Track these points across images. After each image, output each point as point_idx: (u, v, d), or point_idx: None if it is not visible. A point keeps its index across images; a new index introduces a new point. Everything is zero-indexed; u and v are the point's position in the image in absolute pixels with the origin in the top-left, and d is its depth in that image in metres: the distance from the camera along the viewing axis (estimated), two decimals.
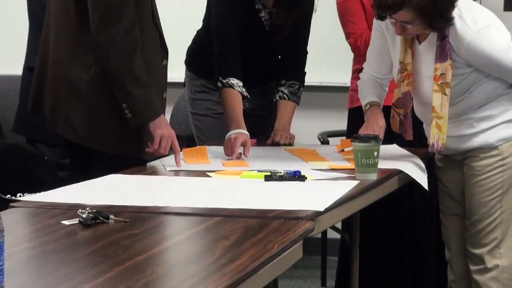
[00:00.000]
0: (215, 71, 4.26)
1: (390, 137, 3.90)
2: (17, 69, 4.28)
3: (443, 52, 3.68)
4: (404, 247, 4.46)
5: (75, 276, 2.22)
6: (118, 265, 2.31)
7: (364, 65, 4.02)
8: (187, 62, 4.57)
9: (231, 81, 4.19)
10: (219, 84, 4.22)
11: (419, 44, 3.78)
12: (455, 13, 3.63)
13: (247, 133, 4.03)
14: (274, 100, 4.39)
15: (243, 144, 3.92)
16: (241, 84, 4.20)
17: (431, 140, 3.74)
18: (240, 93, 4.19)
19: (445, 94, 3.67)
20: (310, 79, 4.60)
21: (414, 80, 3.80)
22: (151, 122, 3.58)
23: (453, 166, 3.88)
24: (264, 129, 4.40)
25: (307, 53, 4.45)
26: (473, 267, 3.84)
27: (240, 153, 3.87)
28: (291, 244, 2.57)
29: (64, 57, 3.55)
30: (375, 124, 3.80)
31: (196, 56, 4.52)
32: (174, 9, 5.30)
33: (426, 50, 3.74)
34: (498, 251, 3.78)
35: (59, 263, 2.38)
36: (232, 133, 4.02)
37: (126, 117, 3.53)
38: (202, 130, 4.42)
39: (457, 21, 3.65)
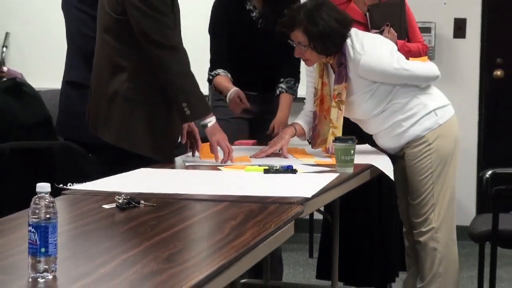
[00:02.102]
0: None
1: (363, 139, 3.89)
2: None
3: (339, 77, 3.76)
4: (374, 225, 4.45)
5: (113, 249, 2.22)
6: (147, 240, 2.31)
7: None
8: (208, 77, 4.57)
9: (217, 71, 4.24)
10: (210, 77, 4.29)
11: (333, 72, 3.83)
12: (348, 44, 3.72)
13: (237, 88, 4.19)
14: (276, 94, 4.39)
15: (241, 97, 4.14)
16: (227, 73, 4.27)
17: (327, 145, 3.83)
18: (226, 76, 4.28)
19: (340, 110, 3.77)
20: (301, 92, 4.60)
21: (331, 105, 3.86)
22: (207, 130, 3.56)
23: (399, 160, 3.90)
24: (266, 131, 4.41)
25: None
26: (415, 232, 3.88)
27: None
28: (285, 224, 2.57)
29: (104, 75, 3.54)
30: (280, 138, 3.88)
31: None
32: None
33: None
34: (433, 217, 3.82)
35: (100, 239, 2.39)
36: (231, 92, 4.17)
37: (185, 115, 3.48)
38: None
39: (350, 50, 3.73)
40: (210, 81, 4.35)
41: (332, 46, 3.69)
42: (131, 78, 3.49)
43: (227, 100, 4.12)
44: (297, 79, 4.39)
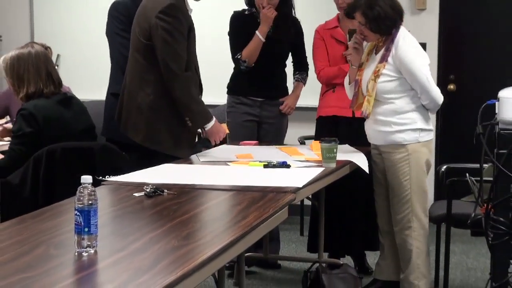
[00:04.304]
0: (233, 56, 4.41)
1: (343, 140, 3.88)
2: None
3: (383, 58, 3.72)
4: (352, 211, 4.43)
5: (143, 229, 2.22)
6: (170, 221, 2.30)
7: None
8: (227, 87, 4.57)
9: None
10: (238, 56, 4.36)
11: (375, 54, 3.80)
12: (401, 34, 3.71)
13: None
14: (293, 82, 4.59)
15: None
16: None
17: (362, 110, 3.77)
18: None
19: (375, 82, 3.71)
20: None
21: (363, 78, 3.80)
22: (207, 130, 3.62)
23: (379, 159, 3.87)
24: (270, 134, 4.40)
25: (306, 57, 4.60)
26: (395, 228, 3.82)
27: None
28: (281, 208, 2.57)
29: (134, 88, 3.55)
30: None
31: (230, 81, 4.52)
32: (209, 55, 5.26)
33: (376, 58, 3.76)
34: (412, 216, 3.76)
35: (132, 220, 2.38)
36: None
37: (188, 125, 3.57)
38: (231, 133, 4.43)
39: (400, 39, 3.70)
40: (238, 60, 4.38)
41: (384, 28, 3.69)
42: (155, 91, 3.51)
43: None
44: (306, 73, 4.62)
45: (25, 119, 3.49)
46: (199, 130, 3.72)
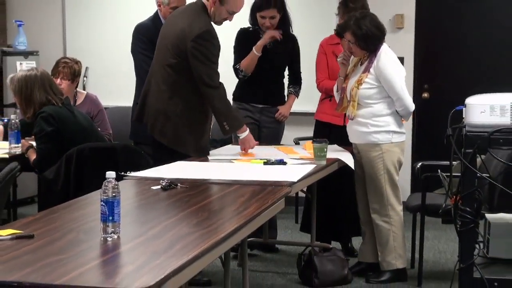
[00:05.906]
0: (234, 68, 4.35)
1: (332, 141, 3.86)
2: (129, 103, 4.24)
3: (366, 69, 3.73)
4: (339, 202, 4.41)
5: (158, 218, 2.22)
6: (182, 211, 2.31)
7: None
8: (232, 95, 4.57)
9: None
10: (236, 67, 4.32)
11: (360, 65, 3.81)
12: (383, 49, 3.71)
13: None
14: (287, 94, 4.51)
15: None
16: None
17: (348, 113, 3.79)
18: None
19: (358, 89, 3.72)
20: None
21: (347, 86, 3.81)
22: (239, 140, 3.60)
23: (358, 157, 3.86)
24: (269, 136, 4.39)
25: (300, 72, 4.50)
26: (374, 215, 3.83)
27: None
28: (278, 199, 2.57)
29: (163, 98, 3.51)
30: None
31: (235, 89, 4.52)
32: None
33: (360, 69, 3.78)
34: (388, 205, 3.78)
35: (150, 210, 2.39)
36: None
37: (225, 130, 3.54)
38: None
39: (382, 52, 3.71)
40: (237, 70, 4.34)
41: (371, 45, 3.70)
42: (183, 102, 3.49)
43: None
44: (300, 86, 4.52)
45: (45, 119, 3.51)
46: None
